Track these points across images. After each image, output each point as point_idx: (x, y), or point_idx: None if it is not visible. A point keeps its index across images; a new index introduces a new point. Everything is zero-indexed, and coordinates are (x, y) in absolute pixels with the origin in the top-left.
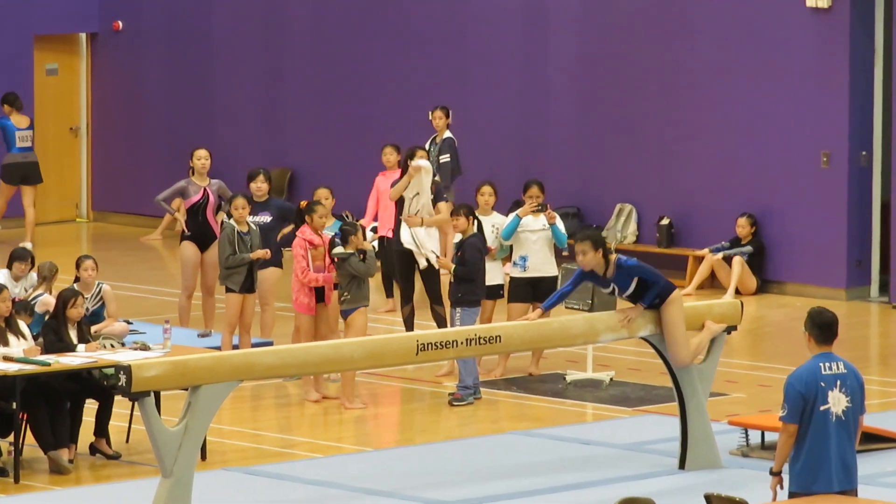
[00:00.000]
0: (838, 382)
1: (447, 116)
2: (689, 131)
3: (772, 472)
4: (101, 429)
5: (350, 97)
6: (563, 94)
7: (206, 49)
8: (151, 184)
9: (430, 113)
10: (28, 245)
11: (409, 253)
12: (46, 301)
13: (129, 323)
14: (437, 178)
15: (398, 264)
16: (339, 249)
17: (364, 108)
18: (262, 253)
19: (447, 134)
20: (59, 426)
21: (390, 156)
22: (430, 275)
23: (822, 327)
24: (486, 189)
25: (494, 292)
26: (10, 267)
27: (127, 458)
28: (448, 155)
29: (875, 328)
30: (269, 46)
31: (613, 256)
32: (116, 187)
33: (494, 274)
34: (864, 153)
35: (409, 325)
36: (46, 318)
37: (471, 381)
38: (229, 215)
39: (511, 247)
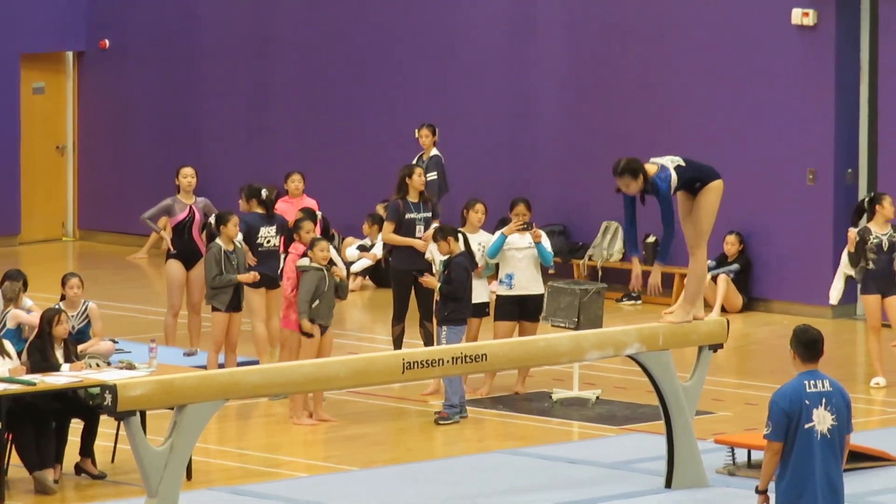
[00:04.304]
0: (823, 400)
1: (434, 134)
2: (676, 149)
3: (758, 491)
4: (87, 448)
5: (336, 115)
6: (549, 111)
7: (193, 67)
8: (138, 202)
9: (416, 131)
10: None
11: (406, 273)
12: (16, 315)
13: (114, 342)
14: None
15: (393, 284)
16: (303, 261)
17: (351, 126)
18: (250, 277)
19: (434, 151)
20: (44, 446)
21: (299, 183)
22: (426, 291)
23: (807, 345)
24: (480, 207)
25: (480, 310)
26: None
27: (112, 478)
28: (435, 172)
29: (861, 346)
30: (255, 64)
31: (651, 174)
32: (103, 206)
33: (480, 292)
34: (849, 170)
35: (397, 345)
36: (23, 334)
37: (457, 400)
38: (214, 235)
39: (497, 265)
